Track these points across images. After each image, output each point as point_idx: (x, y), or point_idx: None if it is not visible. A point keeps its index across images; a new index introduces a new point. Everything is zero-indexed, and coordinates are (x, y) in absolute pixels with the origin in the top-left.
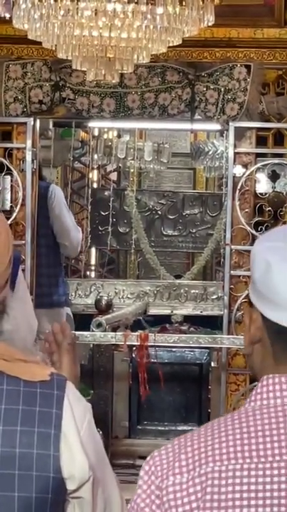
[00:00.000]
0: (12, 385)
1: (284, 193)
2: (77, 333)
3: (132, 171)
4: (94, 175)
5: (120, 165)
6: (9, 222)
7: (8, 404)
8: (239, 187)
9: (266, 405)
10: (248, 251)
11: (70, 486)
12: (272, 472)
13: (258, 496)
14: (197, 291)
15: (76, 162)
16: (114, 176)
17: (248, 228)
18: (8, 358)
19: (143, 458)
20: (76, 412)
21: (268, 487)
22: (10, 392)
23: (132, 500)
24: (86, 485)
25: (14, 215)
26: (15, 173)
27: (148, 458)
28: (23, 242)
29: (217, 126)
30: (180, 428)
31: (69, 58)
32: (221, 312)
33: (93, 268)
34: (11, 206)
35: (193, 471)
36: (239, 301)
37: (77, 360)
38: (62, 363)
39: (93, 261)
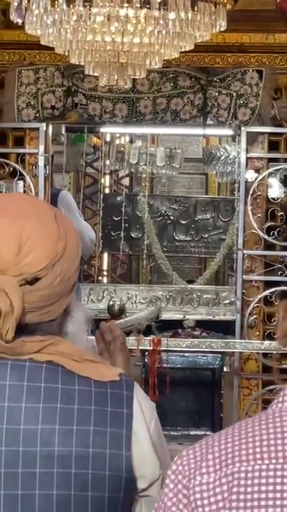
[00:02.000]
0: (83, 385)
1: None
2: (90, 338)
3: (144, 176)
4: (106, 180)
5: (132, 170)
6: None
7: (80, 404)
8: (251, 192)
9: None
10: (261, 256)
11: (141, 484)
12: None
13: (284, 496)
14: (209, 296)
15: (88, 167)
16: (126, 181)
17: (261, 233)
18: (78, 358)
19: None
20: (145, 411)
21: None
22: (82, 393)
23: (159, 499)
24: (156, 483)
25: None
26: (27, 178)
27: (175, 458)
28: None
29: (229, 131)
30: (192, 433)
31: (82, 64)
32: (234, 317)
33: (105, 273)
34: None
35: (220, 471)
36: (251, 306)
37: (130, 360)
38: (116, 362)
39: (105, 266)
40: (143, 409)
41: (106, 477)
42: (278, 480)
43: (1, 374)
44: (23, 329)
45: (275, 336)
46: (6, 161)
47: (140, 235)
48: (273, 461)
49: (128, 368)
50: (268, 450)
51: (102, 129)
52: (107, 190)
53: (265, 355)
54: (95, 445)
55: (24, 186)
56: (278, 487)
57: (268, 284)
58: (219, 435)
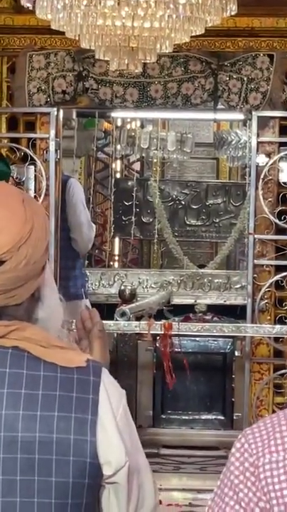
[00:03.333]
0: (49, 371)
1: None
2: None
3: (155, 160)
4: (117, 165)
5: (143, 155)
6: None
7: (45, 390)
8: (262, 176)
9: None
10: (272, 240)
11: (107, 471)
12: None
13: None
14: (220, 280)
15: (99, 152)
16: (137, 166)
17: (272, 217)
18: (45, 344)
19: (167, 447)
20: (112, 397)
21: None
22: (47, 378)
23: (224, 476)
24: (122, 470)
25: None
26: (38, 163)
27: (239, 436)
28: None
29: (240, 116)
30: (203, 417)
31: (93, 48)
32: (245, 301)
33: (116, 258)
34: (35, 196)
35: None
36: (262, 290)
37: (107, 347)
38: (93, 349)
39: (117, 251)
40: (109, 395)
41: (70, 463)
42: None
43: None
44: None
45: None
46: (17, 145)
47: (151, 220)
48: None
49: (104, 354)
50: None
51: (113, 114)
52: (118, 175)
53: (276, 339)
54: (59, 431)
55: (35, 171)
56: None
57: (280, 269)
58: (284, 414)
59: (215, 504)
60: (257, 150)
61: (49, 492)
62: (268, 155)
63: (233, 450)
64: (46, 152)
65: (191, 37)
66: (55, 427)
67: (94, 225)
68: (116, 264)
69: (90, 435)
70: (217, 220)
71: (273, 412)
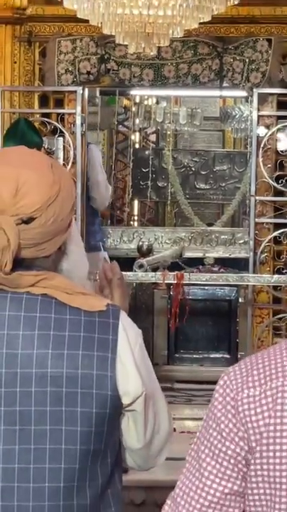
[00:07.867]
0: (74, 314)
1: None
2: (122, 273)
3: (169, 132)
4: (135, 137)
5: (158, 128)
6: None
7: (71, 332)
8: (262, 145)
9: None
10: (271, 201)
11: (125, 400)
12: None
13: None
14: (226, 236)
15: (120, 126)
16: (153, 138)
17: (271, 181)
18: (70, 291)
19: (180, 382)
20: (130, 337)
21: None
22: (72, 321)
23: (209, 411)
24: (139, 399)
25: None
26: (67, 135)
27: (222, 375)
28: (75, 194)
29: (242, 93)
30: (212, 356)
31: (113, 34)
32: (248, 255)
33: (135, 217)
34: (63, 164)
35: (265, 385)
36: (262, 245)
37: (126, 294)
38: (113, 296)
39: (135, 211)
40: (128, 335)
41: (93, 395)
42: None
43: (1, 305)
44: (20, 264)
45: (284, 271)
46: (48, 120)
47: (165, 184)
48: None
49: (123, 301)
50: None
51: (132, 92)
52: (137, 146)
53: (275, 287)
54: (84, 367)
55: (64, 142)
56: None
57: (278, 226)
58: (261, 354)
59: (202, 435)
60: (258, 123)
61: (75, 421)
62: (267, 127)
63: (217, 387)
64: (73, 125)
65: (199, 23)
66: (79, 364)
67: (110, 186)
68: (135, 223)
69: (110, 371)
70: (223, 184)
71: None
